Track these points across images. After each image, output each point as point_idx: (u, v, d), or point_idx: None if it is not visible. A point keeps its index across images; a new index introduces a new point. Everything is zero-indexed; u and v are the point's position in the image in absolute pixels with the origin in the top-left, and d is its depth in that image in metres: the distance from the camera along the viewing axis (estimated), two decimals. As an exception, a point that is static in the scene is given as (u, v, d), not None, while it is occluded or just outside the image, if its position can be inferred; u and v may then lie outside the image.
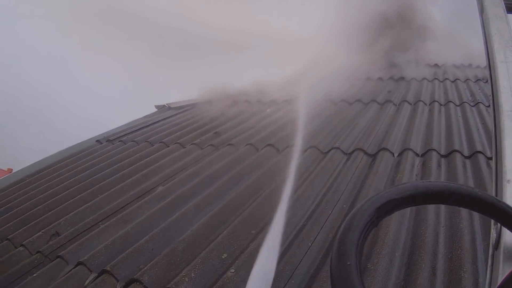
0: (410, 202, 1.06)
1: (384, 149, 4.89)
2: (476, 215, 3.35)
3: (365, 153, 4.96)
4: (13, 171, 6.38)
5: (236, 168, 4.89)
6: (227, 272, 2.97)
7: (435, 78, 9.17)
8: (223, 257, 3.21)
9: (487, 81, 8.53)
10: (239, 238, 3.43)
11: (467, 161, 4.56)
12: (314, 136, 5.55)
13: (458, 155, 4.62)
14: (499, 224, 1.16)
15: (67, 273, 3.35)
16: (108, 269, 3.16)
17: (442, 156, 4.73)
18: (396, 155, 4.84)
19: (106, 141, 7.03)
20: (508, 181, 1.22)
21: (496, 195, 1.30)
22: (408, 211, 3.48)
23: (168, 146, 6.17)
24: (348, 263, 0.82)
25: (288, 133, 5.68)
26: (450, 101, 6.93)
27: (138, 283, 2.98)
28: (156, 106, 9.15)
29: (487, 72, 1.60)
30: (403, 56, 11.00)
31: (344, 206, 3.86)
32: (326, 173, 4.53)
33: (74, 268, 3.39)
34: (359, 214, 0.93)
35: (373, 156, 4.87)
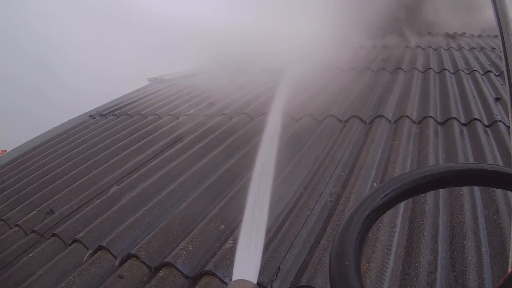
0: (413, 193, 1.04)
1: (380, 116, 4.84)
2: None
3: (361, 120, 4.91)
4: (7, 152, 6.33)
5: (231, 138, 4.85)
6: (225, 244, 2.93)
7: (429, 46, 9.11)
8: (220, 228, 3.18)
9: (481, 49, 8.57)
10: (237, 208, 3.39)
11: (464, 129, 4.53)
12: (309, 104, 5.50)
13: (455, 122, 4.58)
14: None
15: (63, 251, 3.31)
16: (104, 245, 3.13)
17: (439, 123, 4.68)
18: (392, 122, 4.80)
19: (99, 116, 6.97)
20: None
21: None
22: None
23: (162, 118, 6.11)
24: (347, 263, 0.82)
25: (282, 102, 5.63)
26: (445, 69, 6.87)
27: (135, 258, 2.95)
28: (149, 79, 9.08)
29: (499, 42, 1.52)
30: (396, 25, 10.93)
31: (342, 173, 3.82)
32: (322, 141, 4.50)
33: (70, 245, 3.36)
34: (357, 214, 0.93)
35: (369, 123, 4.83)
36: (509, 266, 1.99)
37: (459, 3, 11.61)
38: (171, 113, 6.18)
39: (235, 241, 2.92)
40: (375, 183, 3.62)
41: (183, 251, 2.88)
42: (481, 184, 1.08)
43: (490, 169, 1.02)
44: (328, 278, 0.82)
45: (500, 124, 4.43)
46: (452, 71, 6.83)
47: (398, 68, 7.08)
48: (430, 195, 3.19)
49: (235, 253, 2.58)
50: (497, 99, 5.29)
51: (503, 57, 1.41)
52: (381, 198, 0.96)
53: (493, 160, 3.78)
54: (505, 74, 1.38)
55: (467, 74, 6.69)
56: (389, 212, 2.97)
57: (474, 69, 6.84)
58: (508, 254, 2.49)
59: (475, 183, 1.08)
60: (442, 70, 6.86)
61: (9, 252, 3.55)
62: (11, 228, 3.95)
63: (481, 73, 6.70)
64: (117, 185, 4.26)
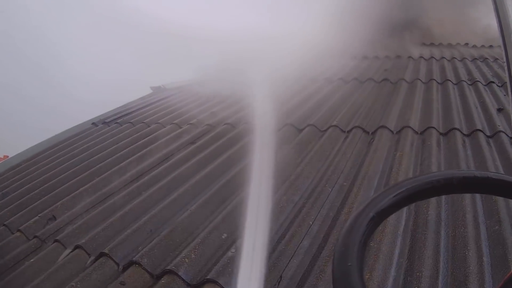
0: (417, 197, 1.05)
1: (383, 126, 4.85)
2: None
3: (364, 130, 4.92)
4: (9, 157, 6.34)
5: (234, 147, 4.85)
6: (227, 252, 2.94)
7: (432, 57, 9.12)
8: (223, 237, 3.18)
9: (483, 60, 8.59)
10: (239, 218, 3.40)
11: (467, 139, 4.53)
12: (311, 114, 5.51)
13: (457, 133, 4.58)
14: None
15: (65, 257, 3.32)
16: (107, 251, 3.13)
17: (441, 134, 4.69)
18: (395, 132, 4.80)
19: (102, 124, 6.97)
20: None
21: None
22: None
23: (165, 127, 6.12)
24: (349, 264, 0.83)
25: (285, 112, 5.64)
26: (448, 80, 6.89)
27: (137, 265, 2.95)
28: (152, 88, 9.09)
29: (502, 52, 1.52)
30: (399, 36, 10.95)
31: (344, 184, 3.83)
32: (325, 151, 4.50)
33: (72, 252, 3.36)
34: (361, 216, 0.94)
35: (372, 134, 4.83)
36: None
37: (462, 14, 11.63)
38: (174, 121, 6.19)
39: (237, 250, 2.93)
40: (377, 193, 3.61)
41: (186, 259, 2.88)
42: (485, 192, 1.09)
43: (494, 177, 1.03)
44: (331, 287, 0.83)
45: (503, 135, 4.43)
46: (454, 82, 6.84)
47: (401, 79, 7.08)
48: (432, 205, 3.19)
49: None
50: (500, 110, 5.30)
51: (505, 68, 1.42)
52: (386, 201, 0.97)
53: (495, 170, 3.78)
54: (508, 84, 1.39)
55: (469, 85, 6.70)
56: (392, 221, 2.98)
57: (477, 80, 6.85)
58: (509, 263, 2.49)
59: (479, 191, 1.09)
60: (444, 81, 6.87)
61: (11, 256, 3.56)
62: (13, 233, 3.95)
63: (484, 84, 6.71)
64: (120, 193, 4.27)
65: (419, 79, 6.98)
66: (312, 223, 3.22)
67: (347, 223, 0.92)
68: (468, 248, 2.68)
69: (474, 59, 8.89)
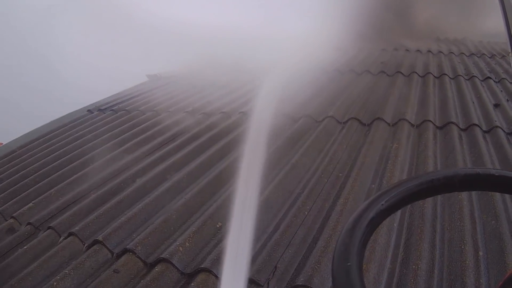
0: (418, 197, 1.05)
1: (379, 118, 4.84)
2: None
3: (360, 122, 4.92)
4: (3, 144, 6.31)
5: (229, 136, 4.84)
6: (222, 241, 2.92)
7: (429, 51, 9.12)
8: (217, 226, 3.18)
9: (481, 55, 8.59)
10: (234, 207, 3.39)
11: (463, 134, 4.53)
12: (307, 105, 5.49)
13: (454, 127, 4.58)
14: None
15: (58, 244, 3.30)
16: (100, 239, 3.12)
17: (438, 127, 4.69)
18: (391, 125, 4.80)
19: (98, 111, 6.94)
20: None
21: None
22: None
23: (160, 115, 6.10)
24: (349, 263, 0.83)
25: (281, 101, 5.62)
26: (445, 74, 6.89)
27: (131, 253, 2.94)
28: (148, 76, 9.07)
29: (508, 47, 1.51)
30: (396, 29, 10.95)
31: (340, 175, 3.82)
32: (320, 142, 4.49)
33: (65, 239, 3.34)
34: (362, 216, 0.94)
35: (368, 126, 4.83)
36: None
37: (460, 9, 11.63)
38: (170, 110, 6.17)
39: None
40: (373, 185, 3.62)
41: (180, 247, 2.87)
42: (487, 189, 1.09)
43: (496, 174, 1.02)
44: (326, 278, 0.84)
45: (499, 130, 4.44)
46: (451, 76, 6.84)
47: (397, 71, 7.08)
48: (429, 198, 3.19)
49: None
50: (496, 105, 5.30)
51: (510, 56, 1.41)
52: (386, 201, 0.97)
53: (492, 165, 3.79)
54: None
55: (466, 79, 6.70)
56: (388, 214, 2.97)
57: (474, 74, 6.85)
58: (505, 258, 2.50)
59: (481, 188, 1.08)
60: (441, 75, 6.86)
61: (4, 243, 3.53)
62: (7, 220, 3.93)
63: (481, 79, 6.71)
64: (114, 180, 4.25)
65: (416, 73, 6.98)
66: (308, 213, 3.22)
67: (348, 223, 0.93)
68: (464, 242, 2.68)
69: (471, 54, 8.90)
